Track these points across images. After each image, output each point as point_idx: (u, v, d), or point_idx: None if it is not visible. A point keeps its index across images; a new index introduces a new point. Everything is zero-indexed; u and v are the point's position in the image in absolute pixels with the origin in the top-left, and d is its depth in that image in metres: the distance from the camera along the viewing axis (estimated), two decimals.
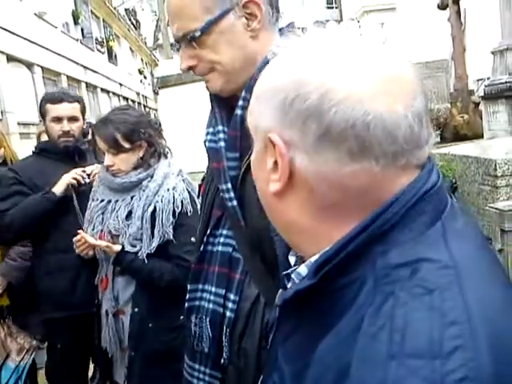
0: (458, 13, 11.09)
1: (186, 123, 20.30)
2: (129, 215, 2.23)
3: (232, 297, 1.38)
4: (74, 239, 2.29)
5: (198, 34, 1.21)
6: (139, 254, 2.19)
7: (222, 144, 1.33)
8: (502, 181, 3.93)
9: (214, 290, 1.42)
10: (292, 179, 0.67)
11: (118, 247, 2.20)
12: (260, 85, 0.72)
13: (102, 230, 2.28)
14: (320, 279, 0.65)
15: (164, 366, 2.25)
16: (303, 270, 0.72)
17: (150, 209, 2.19)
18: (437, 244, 0.63)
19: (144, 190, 2.23)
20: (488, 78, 9.65)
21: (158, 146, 2.33)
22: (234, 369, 1.38)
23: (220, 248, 1.42)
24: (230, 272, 1.39)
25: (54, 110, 2.67)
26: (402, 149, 0.63)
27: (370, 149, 0.62)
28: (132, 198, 2.25)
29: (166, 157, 2.35)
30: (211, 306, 1.42)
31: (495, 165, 3.96)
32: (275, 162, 0.68)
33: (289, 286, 0.77)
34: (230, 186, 1.30)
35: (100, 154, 2.36)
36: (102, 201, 2.32)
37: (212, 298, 1.42)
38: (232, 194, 1.30)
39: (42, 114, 2.75)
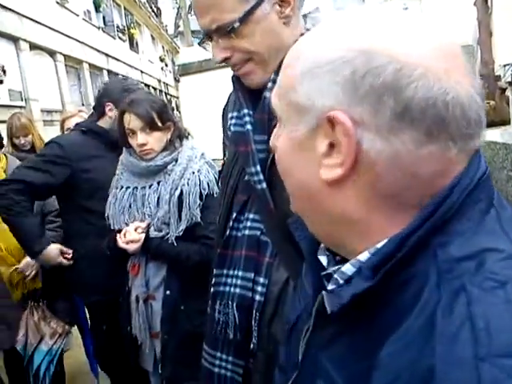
0: None
1: (207, 110, 20.27)
2: (157, 201, 2.23)
3: (261, 280, 1.35)
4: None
5: (237, 24, 1.20)
6: (168, 238, 2.19)
7: (249, 127, 1.32)
8: None
9: (241, 274, 1.39)
10: (355, 163, 0.60)
11: (141, 236, 2.20)
12: (310, 58, 0.64)
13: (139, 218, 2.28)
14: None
15: (196, 349, 2.26)
16: (349, 268, 0.66)
17: (177, 192, 2.18)
18: (496, 233, 0.59)
19: (169, 174, 2.22)
20: None
21: (181, 128, 2.34)
22: (263, 355, 1.36)
23: (247, 232, 1.39)
24: (259, 255, 1.36)
25: None
26: (473, 131, 0.59)
27: (448, 130, 0.58)
28: (159, 183, 2.24)
29: (187, 138, 2.35)
30: (238, 290, 1.39)
31: None
32: (330, 145, 0.61)
33: (329, 287, 0.71)
34: (258, 168, 1.29)
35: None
36: (128, 188, 2.31)
37: (239, 282, 1.39)
38: (261, 177, 1.29)
39: (115, 101, 2.67)
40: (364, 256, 0.64)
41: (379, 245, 0.62)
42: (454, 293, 0.54)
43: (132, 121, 2.21)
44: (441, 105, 0.57)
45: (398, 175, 0.60)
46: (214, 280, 1.47)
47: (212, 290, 1.48)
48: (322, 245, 0.79)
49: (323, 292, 0.69)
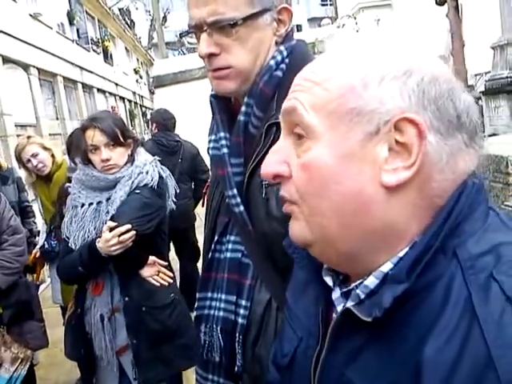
0: (457, 8, 11.06)
1: (181, 121, 20.25)
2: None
3: (243, 303, 1.35)
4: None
5: (240, 22, 1.19)
6: None
7: (225, 150, 1.33)
8: None
9: (224, 297, 1.39)
10: (421, 165, 0.63)
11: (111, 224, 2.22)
12: (374, 67, 0.65)
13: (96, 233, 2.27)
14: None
15: (166, 344, 2.29)
16: (372, 281, 0.67)
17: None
18: (501, 229, 0.65)
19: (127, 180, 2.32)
20: (486, 73, 9.63)
21: (138, 145, 2.48)
22: (248, 377, 1.35)
23: (228, 255, 1.39)
24: (240, 278, 1.36)
25: None
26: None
27: (476, 135, 0.66)
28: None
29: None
30: (222, 313, 1.39)
31: (507, 162, 3.89)
32: (389, 149, 0.63)
33: (349, 303, 0.71)
34: (235, 191, 1.30)
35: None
36: (91, 204, 2.30)
37: (223, 305, 1.39)
38: (238, 200, 1.30)
39: None
40: (387, 267, 0.66)
41: (401, 253, 0.65)
42: (484, 284, 0.58)
43: (96, 136, 2.24)
44: (473, 111, 0.65)
45: (448, 176, 0.64)
46: (197, 303, 1.47)
47: (196, 313, 1.48)
48: (325, 265, 0.79)
49: (350, 307, 0.69)
